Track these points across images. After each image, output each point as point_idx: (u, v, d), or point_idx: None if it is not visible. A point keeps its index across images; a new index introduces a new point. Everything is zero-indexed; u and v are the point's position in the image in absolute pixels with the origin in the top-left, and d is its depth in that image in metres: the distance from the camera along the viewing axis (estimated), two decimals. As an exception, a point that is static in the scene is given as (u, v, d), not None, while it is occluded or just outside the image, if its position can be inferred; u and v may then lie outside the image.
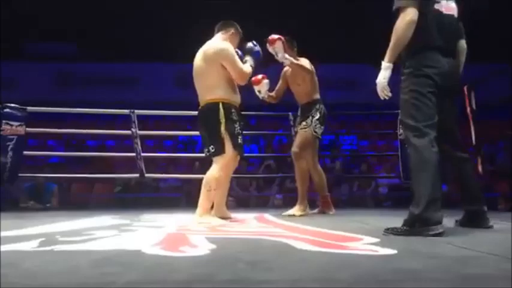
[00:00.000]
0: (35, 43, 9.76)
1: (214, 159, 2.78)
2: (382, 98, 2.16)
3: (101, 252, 1.44)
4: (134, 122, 4.73)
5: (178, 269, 1.14)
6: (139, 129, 4.78)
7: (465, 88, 4.27)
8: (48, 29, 9.36)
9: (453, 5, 2.17)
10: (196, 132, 3.14)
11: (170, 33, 9.35)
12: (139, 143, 4.75)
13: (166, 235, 1.91)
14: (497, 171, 5.43)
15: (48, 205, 5.19)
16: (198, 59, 2.84)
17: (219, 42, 2.87)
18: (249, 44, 3.02)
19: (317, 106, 3.62)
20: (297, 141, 3.52)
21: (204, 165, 6.71)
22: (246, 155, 4.50)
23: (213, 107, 2.75)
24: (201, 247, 1.50)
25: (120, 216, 3.25)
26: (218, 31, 2.98)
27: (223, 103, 2.76)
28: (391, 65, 2.08)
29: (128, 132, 4.82)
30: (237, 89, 2.91)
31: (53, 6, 9.14)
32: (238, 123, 2.79)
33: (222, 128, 2.73)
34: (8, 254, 1.38)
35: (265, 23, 8.99)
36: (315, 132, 3.53)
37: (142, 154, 4.80)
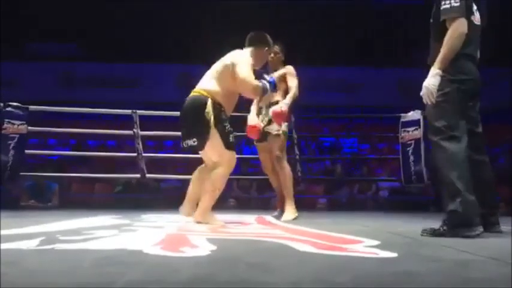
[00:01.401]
0: (37, 43, 9.78)
1: (214, 156, 2.62)
2: (425, 102, 2.19)
3: (101, 251, 1.44)
4: (136, 122, 4.74)
5: (179, 269, 1.14)
6: (141, 130, 4.79)
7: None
8: (50, 30, 9.37)
9: (478, 16, 2.24)
10: None
11: (171, 34, 9.36)
12: (140, 143, 4.76)
13: (167, 235, 1.91)
14: (498, 175, 5.42)
15: (49, 204, 5.20)
16: (219, 60, 2.75)
17: (240, 52, 2.77)
18: (264, 75, 2.88)
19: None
20: (276, 145, 3.45)
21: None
22: (247, 156, 4.52)
23: (201, 99, 2.59)
24: (201, 248, 1.51)
25: (121, 216, 3.25)
26: (250, 44, 2.84)
27: (213, 101, 2.60)
28: (440, 72, 2.13)
29: (130, 132, 4.83)
30: (232, 106, 2.78)
31: (55, 6, 9.16)
32: (227, 122, 2.66)
33: (211, 124, 2.56)
34: (9, 253, 1.38)
35: (266, 25, 9.06)
36: (285, 133, 3.50)
37: (144, 154, 4.81)
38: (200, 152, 2.72)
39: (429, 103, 2.16)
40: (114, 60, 9.55)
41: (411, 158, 4.80)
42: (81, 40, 9.74)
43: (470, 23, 2.14)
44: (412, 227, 2.70)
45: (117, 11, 9.43)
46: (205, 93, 2.62)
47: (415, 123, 4.71)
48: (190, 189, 2.79)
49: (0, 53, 8.70)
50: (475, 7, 2.21)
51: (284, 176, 3.46)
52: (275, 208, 3.78)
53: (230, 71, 2.65)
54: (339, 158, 7.60)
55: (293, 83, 3.51)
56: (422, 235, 2.02)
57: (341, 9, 9.61)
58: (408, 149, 4.80)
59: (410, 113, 4.79)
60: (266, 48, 2.90)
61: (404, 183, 5.00)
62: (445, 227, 1.99)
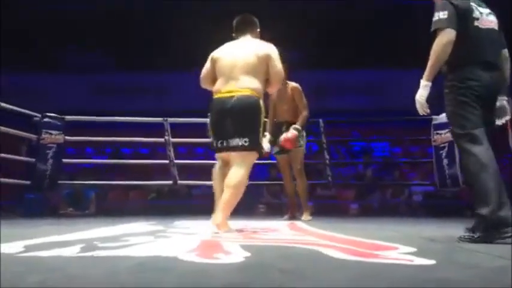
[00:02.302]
0: (71, 56, 10.14)
1: (240, 156, 2.54)
2: (421, 114, 2.27)
3: (138, 258, 1.48)
4: (167, 129, 4.84)
5: (214, 275, 1.16)
6: (172, 137, 4.88)
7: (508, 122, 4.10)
8: (83, 43, 9.71)
9: (492, 18, 2.25)
10: None
11: (199, 43, 9.50)
12: (172, 150, 4.85)
13: (201, 242, 1.95)
14: None
15: (86, 212, 5.34)
16: (244, 51, 2.64)
17: (267, 44, 2.71)
18: None
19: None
20: (298, 159, 4.04)
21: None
22: (276, 162, 4.56)
23: (255, 99, 2.56)
24: (235, 254, 1.52)
25: (155, 222, 3.32)
26: (245, 33, 2.77)
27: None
28: (429, 83, 2.20)
29: (161, 139, 4.93)
30: None
31: (87, 21, 9.49)
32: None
33: (261, 123, 2.56)
34: (52, 260, 1.44)
35: (292, 27, 9.05)
36: (304, 147, 4.10)
37: (175, 161, 4.90)
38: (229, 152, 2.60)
39: (424, 114, 2.26)
40: (143, 69, 9.77)
41: (445, 161, 4.69)
42: (112, 52, 10.02)
43: (474, 28, 2.17)
44: (447, 232, 2.64)
45: (145, 22, 9.66)
46: (254, 93, 2.57)
47: (447, 125, 4.60)
48: (219, 197, 2.65)
49: (37, 66, 9.08)
50: (485, 10, 2.23)
51: (304, 185, 4.08)
52: (285, 213, 4.25)
53: (263, 63, 2.62)
54: (369, 162, 7.50)
55: (304, 104, 4.00)
56: (458, 241, 1.98)
57: (366, 9, 9.50)
58: (441, 152, 4.69)
59: (442, 115, 4.68)
60: (258, 29, 2.86)
61: (438, 187, 4.89)
62: (478, 232, 1.98)
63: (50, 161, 4.57)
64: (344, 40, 9.29)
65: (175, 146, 5.23)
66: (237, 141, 2.51)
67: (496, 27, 2.25)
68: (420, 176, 6.72)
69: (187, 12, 9.57)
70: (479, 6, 2.24)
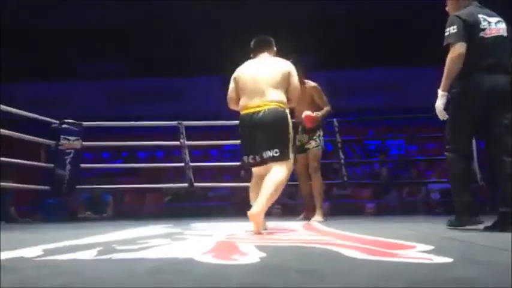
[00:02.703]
0: (86, 64, 10.31)
1: (278, 164, 2.62)
2: (441, 119, 2.60)
3: (155, 260, 1.49)
4: (182, 133, 4.87)
5: (231, 277, 1.16)
6: (187, 140, 4.91)
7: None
8: (98, 51, 9.85)
9: (501, 25, 2.50)
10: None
11: (214, 48, 9.54)
12: (187, 153, 4.88)
13: (216, 243, 1.95)
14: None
15: (104, 215, 5.41)
16: (267, 68, 2.76)
17: (286, 61, 2.85)
18: None
19: (320, 124, 4.11)
20: (316, 157, 4.07)
21: (250, 173, 6.80)
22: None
23: (283, 112, 2.67)
24: (251, 255, 1.52)
25: (172, 225, 3.34)
26: (264, 50, 2.89)
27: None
28: (445, 93, 2.51)
29: (177, 143, 4.97)
30: None
31: (102, 30, 9.63)
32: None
33: (290, 134, 2.68)
34: (70, 263, 1.46)
35: (305, 28, 9.02)
36: (323, 147, 4.17)
37: (191, 164, 4.92)
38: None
39: (444, 119, 2.58)
40: (158, 75, 9.87)
41: (463, 158, 4.60)
42: (127, 58, 10.15)
43: (480, 39, 2.44)
44: (466, 230, 2.60)
45: (157, 28, 9.75)
46: (281, 105, 2.67)
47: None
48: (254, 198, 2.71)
49: (55, 74, 9.25)
50: (493, 20, 2.48)
51: (319, 185, 4.06)
52: (299, 213, 4.32)
53: (285, 79, 2.75)
54: (385, 161, 7.43)
55: (324, 101, 4.09)
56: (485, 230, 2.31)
57: (379, 8, 9.42)
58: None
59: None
60: (275, 48, 2.99)
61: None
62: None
63: (68, 166, 4.64)
64: (359, 39, 9.23)
65: (190, 148, 5.27)
66: (268, 153, 2.62)
67: (505, 34, 2.48)
68: (437, 174, 6.63)
69: (199, 19, 9.63)
70: (489, 16, 2.49)
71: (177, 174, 5.74)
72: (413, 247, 1.65)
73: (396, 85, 9.40)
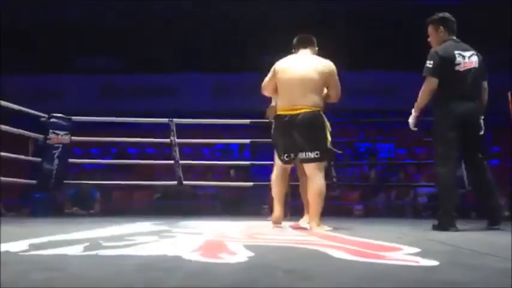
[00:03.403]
0: (80, 58, 10.23)
1: (314, 166, 2.85)
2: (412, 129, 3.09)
3: (143, 257, 1.48)
4: (173, 130, 4.84)
5: (219, 275, 1.16)
6: (178, 138, 4.89)
7: (509, 94, 4.12)
8: (93, 45, 9.78)
9: (474, 58, 2.93)
10: (231, 141, 3.21)
11: (207, 44, 9.53)
12: (177, 151, 4.86)
13: (205, 242, 1.95)
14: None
15: (91, 211, 5.37)
16: (306, 68, 2.89)
17: (326, 60, 2.99)
18: None
19: None
20: None
21: (240, 173, 6.81)
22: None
23: (319, 114, 2.86)
24: (239, 254, 1.52)
25: (160, 222, 3.32)
26: (306, 47, 3.07)
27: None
28: (416, 115, 3.05)
29: (167, 140, 4.94)
30: None
31: (97, 24, 9.57)
32: None
33: (329, 137, 2.87)
34: (56, 258, 1.44)
35: (299, 27, 9.04)
36: None
37: (180, 162, 4.90)
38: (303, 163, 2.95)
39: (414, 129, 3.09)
40: (151, 71, 9.82)
41: (451, 162, 4.64)
42: (121, 54, 10.08)
43: (455, 72, 2.88)
44: (452, 234, 2.62)
45: (152, 24, 9.71)
46: (318, 109, 2.86)
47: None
48: (280, 195, 3.05)
49: (48, 67, 9.15)
50: (467, 54, 2.92)
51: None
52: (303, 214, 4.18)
53: (323, 79, 2.90)
54: (374, 164, 7.48)
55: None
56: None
57: (375, 10, 9.48)
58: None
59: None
60: (317, 48, 3.16)
61: (444, 189, 4.84)
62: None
63: (56, 161, 4.59)
64: (350, 40, 9.27)
65: (181, 146, 5.25)
66: (309, 155, 2.83)
67: (477, 65, 2.92)
68: (425, 178, 6.68)
69: (195, 15, 9.61)
70: (464, 50, 2.93)
71: (167, 172, 5.72)
72: (400, 249, 1.66)
73: (389, 88, 9.46)
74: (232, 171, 6.85)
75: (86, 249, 1.63)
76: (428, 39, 3.09)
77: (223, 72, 9.56)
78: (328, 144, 2.87)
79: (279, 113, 2.93)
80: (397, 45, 9.36)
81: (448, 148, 2.88)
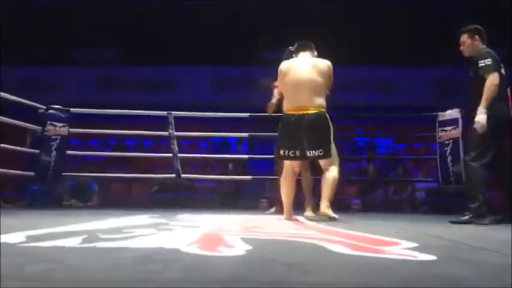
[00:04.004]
0: (78, 50, 10.17)
1: (328, 162, 3.11)
2: (481, 132, 3.11)
3: (141, 249, 1.48)
4: (171, 123, 4.83)
5: (216, 268, 1.16)
6: (176, 131, 4.88)
7: (508, 90, 4.12)
8: (90, 36, 9.72)
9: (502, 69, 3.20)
10: (229, 134, 3.32)
11: (207, 37, 9.49)
12: (176, 144, 4.85)
13: (203, 235, 1.95)
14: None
15: (89, 203, 5.37)
16: (309, 70, 3.14)
17: (324, 60, 3.26)
18: None
19: None
20: None
21: (236, 167, 6.81)
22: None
23: (323, 115, 3.10)
24: (237, 247, 1.52)
25: (158, 215, 3.32)
26: (305, 50, 3.34)
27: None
28: (485, 110, 3.07)
29: (165, 133, 4.93)
30: None
31: (95, 15, 9.51)
32: None
33: (332, 136, 3.10)
34: (53, 250, 1.44)
35: (296, 23, 9.00)
36: None
37: (179, 155, 4.89)
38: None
39: (482, 131, 3.08)
40: (150, 63, 9.78)
41: (449, 158, 4.66)
42: (119, 45, 10.03)
43: (501, 74, 3.12)
44: (450, 228, 2.63)
45: (152, 16, 9.66)
46: (322, 110, 3.10)
47: (453, 122, 4.56)
48: (290, 196, 3.28)
49: (46, 59, 9.10)
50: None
51: (308, 180, 4.17)
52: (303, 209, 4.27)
53: (325, 78, 3.14)
54: (373, 158, 7.49)
55: None
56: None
57: (374, 5, 9.44)
58: (446, 148, 4.66)
59: (448, 112, 4.65)
60: (316, 53, 3.41)
61: (442, 184, 4.86)
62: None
63: (54, 152, 4.58)
64: (351, 35, 9.24)
65: (179, 139, 5.24)
66: (314, 153, 3.07)
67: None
68: (424, 173, 6.70)
69: (195, 8, 9.56)
70: None
71: (165, 165, 5.71)
72: (398, 244, 1.66)
73: (388, 83, 9.45)
74: (230, 165, 6.86)
75: (84, 241, 1.63)
76: (461, 48, 3.31)
77: (222, 65, 9.54)
78: (331, 143, 3.10)
79: (286, 113, 3.15)
80: (395, 40, 9.34)
81: (491, 146, 3.11)
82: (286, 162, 3.25)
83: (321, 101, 3.11)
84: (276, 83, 4.04)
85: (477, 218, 3.01)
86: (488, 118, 3.04)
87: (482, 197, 3.04)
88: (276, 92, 4.09)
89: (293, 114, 3.10)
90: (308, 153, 3.08)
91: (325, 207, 3.00)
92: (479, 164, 3.09)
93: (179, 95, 9.40)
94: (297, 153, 3.10)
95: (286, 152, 3.13)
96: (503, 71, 3.16)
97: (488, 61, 3.08)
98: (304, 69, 3.14)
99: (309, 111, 3.06)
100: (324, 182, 3.11)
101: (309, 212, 3.97)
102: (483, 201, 3.04)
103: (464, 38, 3.32)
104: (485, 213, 3.04)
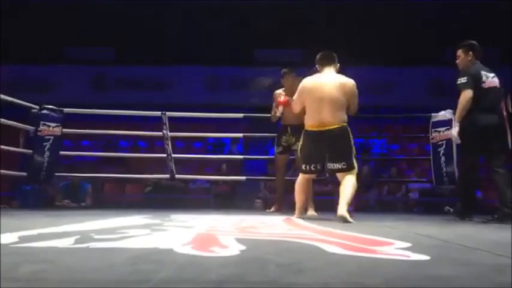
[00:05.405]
0: (71, 48, 10.09)
1: (344, 174, 3.19)
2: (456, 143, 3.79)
3: (134, 250, 1.47)
4: (165, 123, 4.82)
5: (210, 268, 1.16)
6: (170, 131, 4.87)
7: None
8: (84, 34, 9.66)
9: (495, 80, 3.51)
10: (224, 134, 3.36)
11: (200, 37, 9.47)
12: (170, 144, 4.84)
13: (196, 235, 1.94)
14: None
15: (82, 204, 5.34)
16: (333, 89, 3.23)
17: (349, 79, 3.34)
18: None
19: None
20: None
21: (230, 168, 6.79)
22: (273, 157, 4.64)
23: (346, 129, 3.22)
24: (231, 248, 1.52)
25: (151, 216, 3.31)
26: (330, 65, 3.38)
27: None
28: (458, 124, 3.53)
29: (159, 133, 4.92)
30: None
31: (89, 12, 9.45)
32: None
33: (354, 150, 3.22)
34: (46, 251, 1.43)
35: (294, 24, 9.01)
36: None
37: (173, 155, 4.88)
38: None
39: (457, 143, 3.65)
40: (144, 63, 9.74)
41: (442, 158, 4.69)
42: (113, 44, 9.98)
43: (481, 88, 3.43)
44: (443, 229, 2.65)
45: (146, 15, 9.63)
46: (344, 125, 3.22)
47: (446, 123, 4.60)
48: (303, 201, 3.52)
49: (38, 57, 9.02)
50: (490, 75, 3.49)
51: (311, 183, 4.14)
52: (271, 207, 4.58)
53: (346, 96, 3.25)
54: (367, 159, 7.51)
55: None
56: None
57: (369, 7, 9.48)
58: (439, 149, 4.69)
59: (442, 113, 4.69)
60: (339, 65, 3.47)
61: (435, 184, 4.89)
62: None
63: (47, 153, 4.55)
64: (345, 37, 9.27)
65: (173, 140, 5.23)
66: (337, 165, 3.19)
67: (498, 85, 3.50)
68: (417, 173, 6.73)
69: (189, 8, 9.54)
70: (488, 72, 3.50)
71: (159, 165, 5.69)
72: (391, 244, 1.67)
73: (381, 84, 9.48)
74: (224, 166, 6.85)
75: (77, 241, 1.62)
76: (457, 61, 3.63)
77: (215, 65, 9.52)
78: (353, 155, 3.22)
79: (308, 128, 3.28)
80: (389, 41, 9.37)
81: (469, 153, 3.50)
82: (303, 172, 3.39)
83: (342, 115, 3.23)
84: (279, 97, 4.21)
85: (460, 216, 3.51)
86: (467, 128, 3.42)
87: (468, 198, 3.54)
88: (281, 108, 4.23)
89: (315, 130, 3.23)
90: (331, 166, 3.20)
91: (343, 209, 3.02)
92: (466, 169, 3.56)
93: (173, 95, 9.37)
94: (318, 166, 3.27)
95: (308, 166, 3.30)
96: (486, 85, 3.44)
97: (463, 79, 3.44)
98: (329, 88, 3.24)
99: (332, 127, 3.19)
100: (343, 185, 3.17)
101: (311, 212, 4.06)
102: (465, 202, 3.52)
103: (459, 52, 3.62)
104: (466, 213, 3.49)
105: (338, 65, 3.44)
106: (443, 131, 4.62)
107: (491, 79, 3.49)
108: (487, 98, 3.44)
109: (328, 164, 3.22)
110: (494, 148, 3.46)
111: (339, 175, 3.26)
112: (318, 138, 3.22)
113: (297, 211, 3.52)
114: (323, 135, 3.20)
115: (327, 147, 3.20)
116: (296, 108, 3.52)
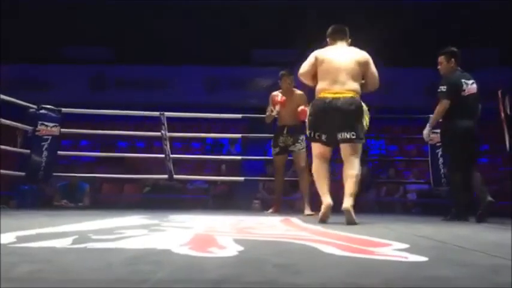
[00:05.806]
0: (69, 47, 10.07)
1: (350, 149, 2.99)
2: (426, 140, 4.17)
3: (132, 250, 1.47)
4: (164, 123, 4.82)
5: (207, 269, 1.16)
6: (169, 131, 4.87)
7: (499, 92, 4.16)
8: (84, 34, 9.65)
9: (474, 85, 3.71)
10: (223, 135, 3.29)
11: (199, 37, 9.47)
12: (168, 145, 4.84)
13: (194, 235, 1.94)
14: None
15: (80, 204, 5.33)
16: (347, 60, 3.07)
17: (362, 52, 3.19)
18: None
19: (303, 128, 4.31)
20: (303, 159, 4.41)
21: (229, 168, 6.80)
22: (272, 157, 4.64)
23: (359, 101, 3.03)
24: (229, 248, 1.52)
25: (149, 216, 3.31)
26: (342, 38, 3.24)
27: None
28: (430, 128, 3.87)
29: (158, 134, 4.92)
30: None
31: (87, 12, 9.44)
32: None
33: (365, 122, 3.05)
34: (44, 251, 1.43)
35: (292, 22, 9.01)
36: (304, 149, 4.41)
37: (171, 155, 4.88)
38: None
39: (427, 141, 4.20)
40: (143, 62, 9.73)
41: (440, 160, 4.71)
42: (112, 44, 9.97)
43: (461, 96, 3.65)
44: (441, 230, 2.65)
45: (145, 15, 9.62)
46: (357, 95, 3.03)
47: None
48: (326, 186, 3.08)
49: (36, 57, 9.00)
50: (469, 82, 3.69)
51: (306, 182, 4.35)
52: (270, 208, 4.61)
53: (361, 69, 3.10)
54: (365, 160, 7.50)
55: (302, 99, 4.36)
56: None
57: (368, 7, 9.49)
58: (437, 151, 4.70)
59: (440, 114, 4.69)
60: (350, 40, 3.29)
61: (433, 185, 4.90)
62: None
63: (45, 153, 4.55)
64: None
65: (171, 140, 5.22)
66: (346, 135, 2.97)
67: (476, 91, 3.70)
68: (415, 175, 6.74)
69: (187, 8, 9.53)
70: (468, 79, 3.69)
71: (157, 165, 5.69)
72: (389, 245, 1.67)
73: (382, 85, 9.48)
74: (223, 166, 6.85)
75: (74, 242, 1.62)
76: (438, 67, 3.77)
77: (215, 65, 9.53)
78: (364, 128, 3.04)
79: (320, 96, 3.04)
80: (387, 41, 9.38)
81: (455, 155, 3.70)
82: (315, 153, 3.14)
83: (356, 86, 3.04)
84: (276, 97, 4.23)
85: (455, 217, 3.68)
86: (447, 132, 3.72)
87: (462, 199, 3.69)
88: (277, 107, 4.25)
89: (327, 98, 3.00)
90: (340, 136, 2.97)
91: (348, 203, 2.88)
92: (453, 171, 3.75)
93: (172, 94, 9.37)
94: (323, 137, 3.04)
95: (313, 133, 3.08)
96: (466, 92, 3.64)
97: (443, 88, 3.63)
98: (342, 58, 3.08)
99: (344, 95, 2.99)
100: (346, 176, 2.99)
101: (308, 211, 4.12)
102: (462, 203, 3.68)
103: (441, 59, 3.76)
104: (461, 214, 3.66)
105: (349, 40, 3.28)
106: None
107: (470, 86, 3.68)
108: (466, 104, 3.64)
109: (338, 134, 2.98)
110: (469, 152, 3.66)
111: (344, 150, 3.03)
112: (328, 106, 2.98)
113: (323, 200, 3.06)
114: (336, 103, 2.96)
115: (338, 116, 2.96)
116: (305, 76, 3.18)
